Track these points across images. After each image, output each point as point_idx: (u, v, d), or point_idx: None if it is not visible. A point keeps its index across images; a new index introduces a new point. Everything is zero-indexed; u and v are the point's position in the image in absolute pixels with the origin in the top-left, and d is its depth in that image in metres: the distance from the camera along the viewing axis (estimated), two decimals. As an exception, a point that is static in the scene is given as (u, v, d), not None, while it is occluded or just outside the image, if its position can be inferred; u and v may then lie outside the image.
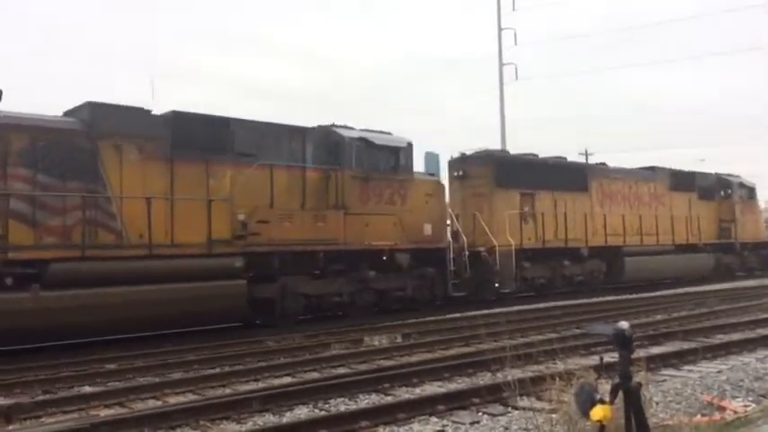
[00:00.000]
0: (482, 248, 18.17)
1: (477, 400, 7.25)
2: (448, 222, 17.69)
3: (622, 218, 22.35)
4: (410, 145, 16.24)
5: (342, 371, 9.48)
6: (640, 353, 7.92)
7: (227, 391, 8.37)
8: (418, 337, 12.46)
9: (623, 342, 2.87)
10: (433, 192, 16.81)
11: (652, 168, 24.94)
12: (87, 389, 8.79)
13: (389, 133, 16.26)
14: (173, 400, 7.90)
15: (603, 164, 23.84)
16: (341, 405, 7.40)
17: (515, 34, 32.23)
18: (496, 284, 18.04)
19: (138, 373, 9.66)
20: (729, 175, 28.28)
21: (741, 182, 28.28)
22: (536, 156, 21.38)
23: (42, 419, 7.04)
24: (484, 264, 17.92)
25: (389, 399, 7.67)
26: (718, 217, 26.94)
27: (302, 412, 7.09)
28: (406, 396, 7.74)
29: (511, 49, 32.44)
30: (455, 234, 17.83)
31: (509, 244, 18.23)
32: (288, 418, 6.89)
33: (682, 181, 25.51)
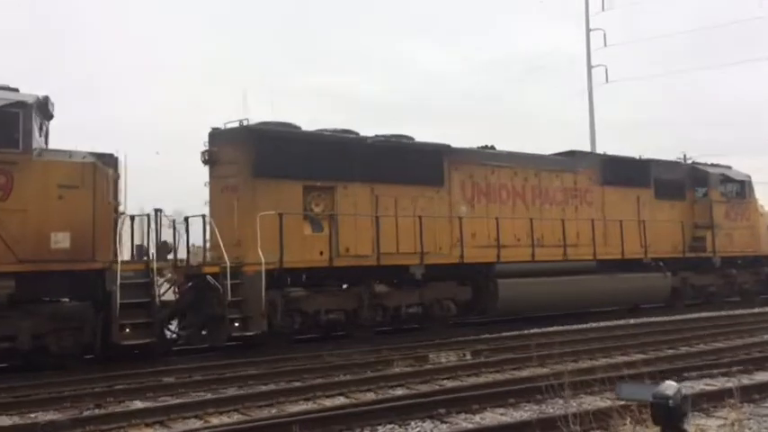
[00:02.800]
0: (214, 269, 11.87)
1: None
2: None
3: (496, 223, 15.18)
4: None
5: (399, 392, 8.82)
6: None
7: (274, 411, 7.89)
8: (489, 355, 11.61)
9: (668, 414, 2.00)
10: (74, 181, 10.65)
11: (571, 153, 17.90)
12: (138, 404, 8.56)
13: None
14: (215, 420, 7.49)
15: (490, 147, 16.41)
16: (388, 433, 6.74)
17: (605, 35, 30.63)
18: (236, 324, 11.60)
19: (191, 387, 9.36)
20: (711, 164, 20.80)
21: (724, 174, 20.49)
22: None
23: (78, 438, 6.78)
24: (213, 292, 11.77)
25: (444, 428, 6.94)
26: (691, 222, 19.60)
27: (344, 440, 6.48)
28: (462, 425, 6.99)
29: (600, 51, 30.80)
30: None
31: (257, 262, 11.75)
32: (327, 446, 6.30)
33: (623, 172, 18.19)
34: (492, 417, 7.37)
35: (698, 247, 19.45)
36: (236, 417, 7.64)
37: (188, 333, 12.31)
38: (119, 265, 10.79)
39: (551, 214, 16.51)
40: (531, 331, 14.53)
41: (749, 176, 21.13)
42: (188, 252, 12.80)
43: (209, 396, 8.80)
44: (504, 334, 14.25)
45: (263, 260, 11.68)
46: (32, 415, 7.99)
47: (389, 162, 14.11)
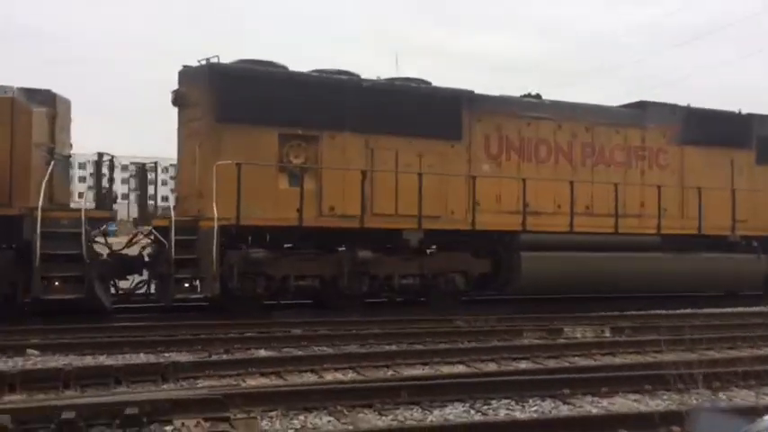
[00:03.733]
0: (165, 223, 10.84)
1: (677, 429, 5.63)
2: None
3: (523, 184, 12.78)
4: None
5: (523, 365, 8.28)
6: None
7: (389, 372, 7.70)
8: (631, 334, 10.65)
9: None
10: None
11: (640, 105, 14.73)
12: (262, 353, 8.76)
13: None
14: (329, 376, 7.42)
15: (535, 96, 13.93)
16: (502, 409, 6.27)
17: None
18: (186, 284, 10.59)
19: (315, 341, 9.43)
20: None
21: None
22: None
23: (198, 382, 6.99)
24: (163, 248, 10.78)
25: (564, 409, 6.36)
26: None
27: (454, 412, 6.11)
28: (587, 409, 6.36)
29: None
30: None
31: (210, 217, 10.53)
32: (434, 417, 5.97)
33: (713, 129, 14.83)
34: (622, 403, 6.65)
35: None
36: (350, 375, 7.54)
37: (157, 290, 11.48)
38: (39, 212, 9.63)
39: (606, 177, 13.73)
40: (686, 311, 13.19)
41: None
42: (145, 203, 12.03)
43: (329, 351, 8.82)
44: (654, 312, 13.05)
45: (215, 215, 10.46)
46: (167, 354, 8.44)
47: (391, 110, 12.08)
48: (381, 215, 11.88)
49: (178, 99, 11.71)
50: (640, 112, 14.57)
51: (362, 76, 12.35)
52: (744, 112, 15.44)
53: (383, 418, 5.91)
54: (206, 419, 5.54)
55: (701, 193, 14.23)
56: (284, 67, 12.01)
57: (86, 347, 8.40)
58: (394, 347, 9.19)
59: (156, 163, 13.13)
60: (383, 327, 10.55)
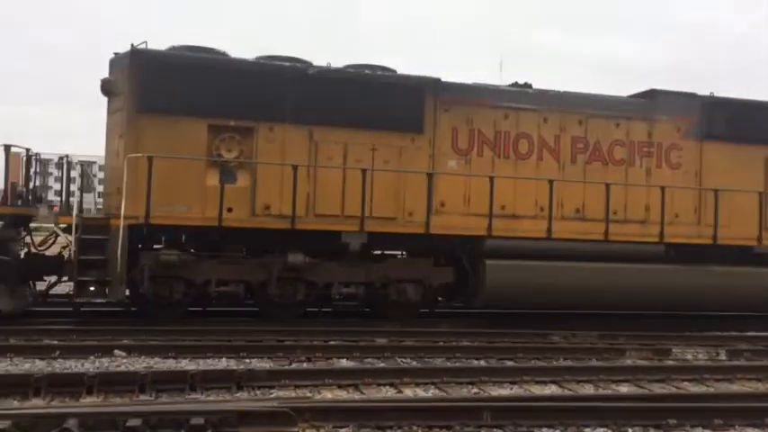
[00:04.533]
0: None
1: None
2: None
3: (490, 183, 11.11)
4: None
5: (624, 389, 7.52)
6: None
7: (474, 390, 7.18)
8: (751, 357, 9.56)
9: None
10: None
11: (649, 94, 12.63)
12: (344, 362, 8.47)
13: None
14: (408, 391, 7.00)
15: (526, 86, 12.24)
16: (596, 439, 5.62)
17: None
18: (92, 288, 9.76)
19: (399, 352, 9.02)
20: None
21: None
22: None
23: (272, 391, 6.77)
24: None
25: (669, 443, 5.63)
26: None
27: (541, 439, 5.54)
28: (695, 444, 5.60)
29: None
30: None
31: (117, 215, 9.81)
32: (518, 444, 5.42)
33: (741, 122, 12.62)
34: (739, 438, 5.83)
35: None
36: (431, 391, 7.08)
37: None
38: None
39: (603, 177, 11.87)
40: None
41: None
42: (67, 200, 11.16)
43: (412, 364, 8.41)
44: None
45: (122, 213, 9.65)
46: (248, 360, 8.32)
47: (339, 99, 10.89)
48: (324, 216, 10.73)
49: (104, 88, 10.87)
50: (648, 102, 12.52)
51: (314, 64, 11.22)
52: None
53: (462, 442, 5.43)
54: (272, 433, 5.29)
55: (717, 197, 12.09)
56: (223, 54, 11.02)
57: (171, 350, 8.42)
58: (482, 363, 8.67)
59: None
60: (473, 339, 10.03)
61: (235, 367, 7.27)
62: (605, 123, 12.15)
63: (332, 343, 9.39)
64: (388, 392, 6.95)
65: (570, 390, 7.40)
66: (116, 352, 8.23)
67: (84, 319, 10.52)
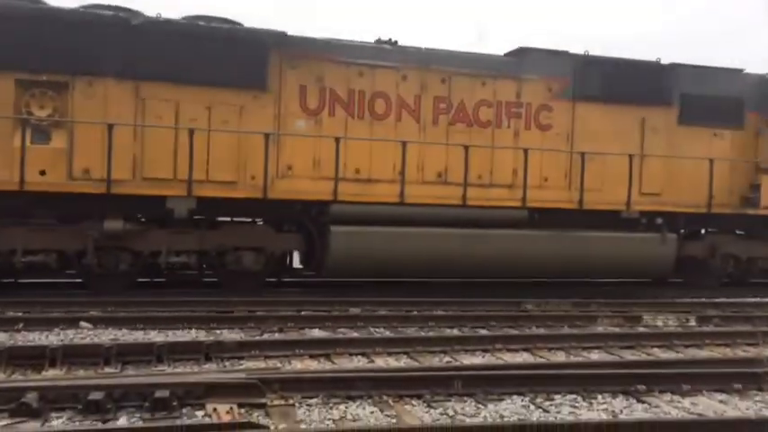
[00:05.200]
0: None
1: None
2: None
3: (336, 145, 10.49)
4: None
5: (594, 356, 7.56)
6: None
7: (446, 359, 7.16)
8: (720, 323, 9.69)
9: None
10: None
11: (519, 52, 11.92)
12: (316, 332, 8.41)
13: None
14: (380, 361, 6.95)
15: (391, 42, 11.42)
16: (566, 405, 5.63)
17: None
18: None
19: (373, 322, 8.98)
20: None
21: None
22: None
23: (242, 362, 6.67)
24: None
25: (638, 408, 5.65)
26: (751, 162, 12.69)
27: (510, 407, 5.52)
28: (663, 408, 5.63)
29: None
30: None
31: None
32: (488, 411, 5.39)
33: (620, 82, 11.99)
34: (707, 404, 5.87)
35: (753, 201, 12.62)
36: (403, 361, 7.04)
37: None
38: None
39: (467, 139, 11.18)
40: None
41: None
42: None
43: (387, 334, 8.36)
44: (748, 300, 11.89)
45: None
46: (218, 331, 8.21)
47: (171, 53, 10.03)
48: (153, 180, 9.97)
49: None
50: (517, 60, 11.78)
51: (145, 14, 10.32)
52: (665, 61, 12.42)
53: (431, 410, 5.39)
54: (240, 405, 5.20)
55: (584, 159, 11.52)
56: (39, 2, 10.07)
57: (139, 321, 8.28)
58: (455, 331, 8.66)
59: None
60: (447, 308, 10.01)
61: (204, 339, 7.13)
62: (470, 82, 11.43)
63: (303, 313, 9.30)
64: (360, 362, 6.89)
65: (542, 357, 7.42)
66: (82, 323, 8.06)
67: (48, 291, 10.32)
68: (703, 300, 11.67)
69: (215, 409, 5.08)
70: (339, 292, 10.88)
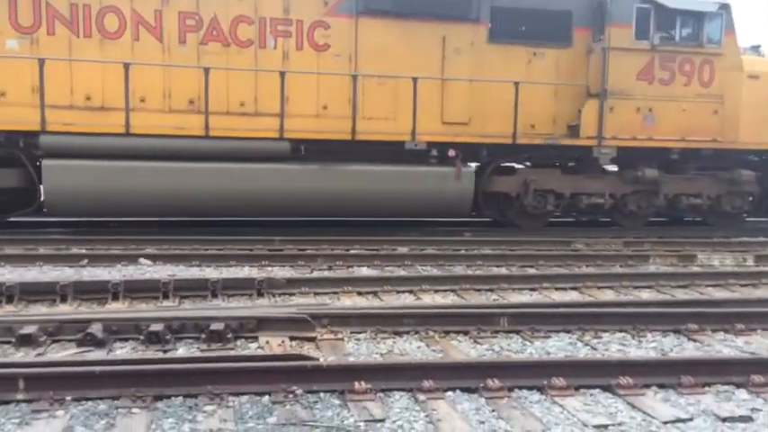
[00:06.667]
0: None
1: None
2: None
3: (40, 66, 9.54)
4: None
5: (645, 295, 7.48)
6: None
7: (493, 297, 7.20)
8: (779, 263, 9.44)
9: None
10: None
11: None
12: (364, 270, 8.55)
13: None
14: (427, 298, 7.04)
15: None
16: (614, 344, 5.61)
17: None
18: None
19: (421, 260, 9.05)
20: None
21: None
22: None
23: (293, 298, 6.86)
24: None
25: (689, 347, 5.60)
26: (582, 86, 11.44)
27: (558, 344, 5.54)
28: (715, 347, 5.57)
29: None
30: None
31: None
32: (534, 348, 5.44)
33: None
34: (760, 343, 5.78)
35: (577, 130, 11.40)
36: (450, 298, 7.12)
37: None
38: None
39: (224, 61, 10.16)
40: None
41: (725, 4, 11.46)
42: None
43: (434, 272, 8.44)
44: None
45: None
46: (269, 269, 8.43)
47: None
48: None
49: None
50: None
51: None
52: None
53: (477, 346, 5.47)
54: (291, 338, 5.38)
55: (357, 83, 10.45)
56: None
57: (195, 258, 8.55)
58: (503, 270, 8.67)
59: None
60: (494, 247, 10.01)
61: (256, 275, 7.34)
62: None
63: (353, 252, 9.44)
64: (407, 300, 6.99)
65: (591, 296, 7.38)
66: (141, 260, 8.38)
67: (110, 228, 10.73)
68: (761, 239, 11.34)
69: (267, 342, 5.28)
70: (387, 232, 10.99)
